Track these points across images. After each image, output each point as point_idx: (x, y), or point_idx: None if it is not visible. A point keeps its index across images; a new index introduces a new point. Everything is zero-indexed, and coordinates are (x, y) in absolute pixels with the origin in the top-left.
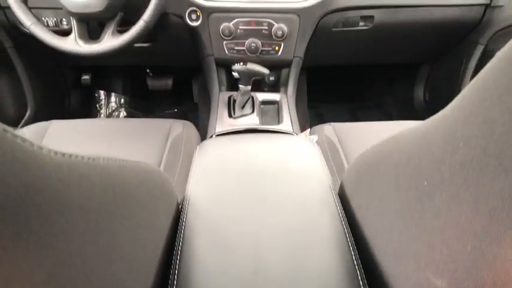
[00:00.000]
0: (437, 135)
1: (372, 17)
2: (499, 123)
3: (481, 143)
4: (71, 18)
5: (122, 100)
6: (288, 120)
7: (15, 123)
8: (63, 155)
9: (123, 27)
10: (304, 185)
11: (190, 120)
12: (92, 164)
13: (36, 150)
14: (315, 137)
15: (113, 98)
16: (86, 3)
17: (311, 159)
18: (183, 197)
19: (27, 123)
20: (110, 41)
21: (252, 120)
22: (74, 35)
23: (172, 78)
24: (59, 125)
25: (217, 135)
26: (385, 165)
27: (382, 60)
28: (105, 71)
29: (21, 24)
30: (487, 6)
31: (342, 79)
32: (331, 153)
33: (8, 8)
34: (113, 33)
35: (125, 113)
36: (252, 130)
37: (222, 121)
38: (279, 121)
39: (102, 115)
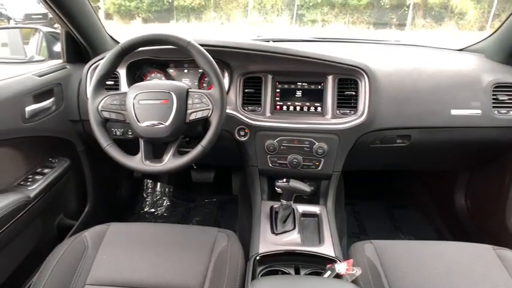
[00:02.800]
0: None
1: (409, 135)
2: None
3: None
4: (140, 139)
5: (167, 190)
6: (329, 241)
7: (75, 216)
8: None
9: (183, 149)
10: None
11: (228, 211)
12: None
13: None
14: (358, 270)
15: (158, 188)
16: (154, 130)
17: None
18: None
19: (86, 217)
20: (171, 162)
21: (293, 237)
22: (140, 155)
23: (215, 172)
24: (116, 228)
25: (261, 256)
26: None
27: (419, 169)
28: None
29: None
30: None
31: (379, 177)
32: (372, 277)
33: (85, 120)
34: (173, 155)
35: (168, 202)
36: (295, 253)
37: (265, 238)
38: (319, 240)
39: (147, 202)
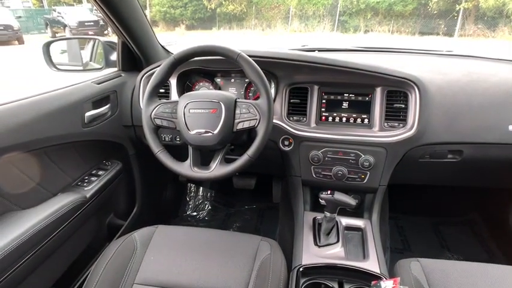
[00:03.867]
0: None
1: (461, 151)
2: None
3: None
4: (189, 146)
5: (208, 194)
6: (374, 256)
7: (124, 216)
8: None
9: (228, 156)
10: None
11: (268, 218)
12: None
13: None
14: None
15: (201, 192)
16: (203, 138)
17: None
18: None
19: (134, 218)
20: (218, 170)
21: (337, 251)
22: (189, 161)
23: (256, 179)
24: (163, 230)
25: (305, 267)
26: None
27: (470, 185)
28: None
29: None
30: None
31: (426, 191)
32: None
33: (137, 126)
34: (220, 163)
35: (210, 206)
36: (339, 267)
37: (308, 249)
38: (364, 255)
39: (190, 206)
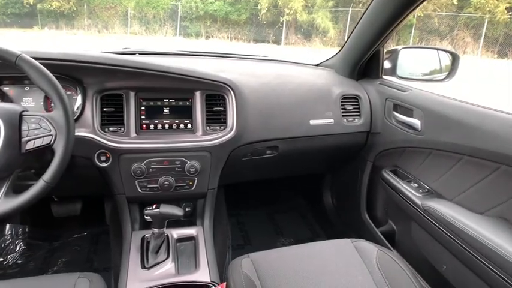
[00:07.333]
0: None
1: (276, 146)
2: None
3: None
4: None
5: (20, 231)
6: (205, 265)
7: None
8: None
9: (30, 182)
10: None
11: (103, 244)
12: None
13: None
14: None
15: (7, 231)
16: None
17: None
18: None
19: None
20: (1, 205)
21: (167, 268)
22: None
23: (82, 202)
24: None
25: None
26: None
27: (289, 174)
28: None
29: None
30: (368, 133)
31: (259, 185)
32: None
33: None
34: (6, 195)
35: (23, 245)
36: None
37: (134, 274)
38: (196, 265)
39: None
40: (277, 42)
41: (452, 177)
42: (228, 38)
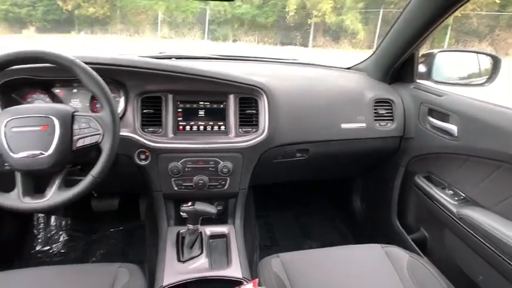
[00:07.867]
0: None
1: (307, 149)
2: None
3: None
4: (15, 172)
5: (63, 223)
6: (237, 262)
7: None
8: None
9: (77, 177)
10: None
11: (137, 239)
12: None
13: None
14: None
15: (52, 222)
16: (33, 161)
17: None
18: None
19: None
20: (55, 197)
21: (201, 263)
22: (17, 190)
23: (119, 198)
24: None
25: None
26: None
27: (319, 177)
28: None
29: None
30: (401, 138)
31: (285, 188)
32: None
33: None
34: (59, 188)
35: (66, 236)
36: (203, 280)
37: (171, 267)
38: (228, 262)
39: (40, 240)
40: (304, 44)
41: (490, 185)
42: (255, 41)
